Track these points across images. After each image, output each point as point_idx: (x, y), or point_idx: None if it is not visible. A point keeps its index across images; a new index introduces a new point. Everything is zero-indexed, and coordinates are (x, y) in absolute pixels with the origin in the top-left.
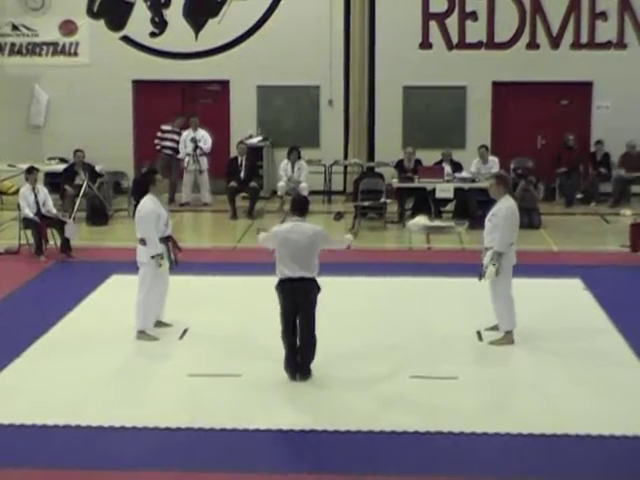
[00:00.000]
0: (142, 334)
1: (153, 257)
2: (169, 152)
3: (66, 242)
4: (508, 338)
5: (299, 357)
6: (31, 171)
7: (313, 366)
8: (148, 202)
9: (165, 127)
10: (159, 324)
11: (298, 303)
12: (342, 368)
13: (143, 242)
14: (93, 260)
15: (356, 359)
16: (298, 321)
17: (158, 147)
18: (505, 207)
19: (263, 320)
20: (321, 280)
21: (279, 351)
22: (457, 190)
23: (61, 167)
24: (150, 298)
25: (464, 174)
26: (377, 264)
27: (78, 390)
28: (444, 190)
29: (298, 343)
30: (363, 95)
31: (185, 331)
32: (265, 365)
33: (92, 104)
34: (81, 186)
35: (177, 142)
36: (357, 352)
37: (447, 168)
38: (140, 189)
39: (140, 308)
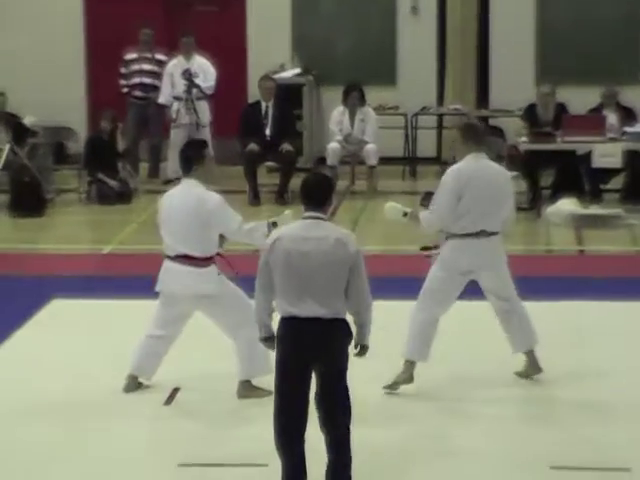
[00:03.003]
0: (250, 388)
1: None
2: (140, 94)
3: None
4: (403, 373)
5: (330, 460)
6: None
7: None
8: (202, 190)
9: (130, 55)
10: (135, 384)
11: (313, 363)
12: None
13: (202, 262)
14: (21, 274)
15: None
16: (316, 398)
17: (125, 90)
18: None
19: None
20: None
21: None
22: (629, 155)
23: None
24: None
25: None
26: None
27: None
28: (606, 155)
29: (325, 440)
30: None
31: (175, 392)
32: None
33: (17, 16)
34: (0, 151)
35: (154, 75)
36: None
37: (611, 118)
38: (184, 162)
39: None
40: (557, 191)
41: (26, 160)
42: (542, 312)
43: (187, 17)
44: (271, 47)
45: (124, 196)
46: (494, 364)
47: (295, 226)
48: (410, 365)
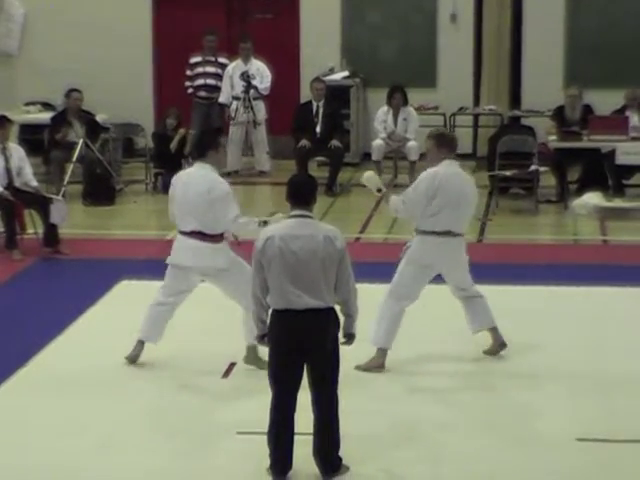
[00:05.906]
0: (255, 358)
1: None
2: (205, 95)
3: (52, 230)
4: (377, 359)
5: (317, 444)
6: (0, 123)
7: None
8: (215, 176)
9: (195, 59)
10: (142, 349)
11: (306, 351)
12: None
13: (214, 238)
14: (93, 258)
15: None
16: (311, 387)
17: (190, 91)
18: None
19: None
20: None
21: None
22: None
23: (46, 116)
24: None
25: None
26: (525, 265)
27: (71, 453)
28: (629, 153)
29: (313, 423)
30: (504, 7)
31: (232, 366)
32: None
33: (91, 22)
34: (75, 145)
35: (217, 77)
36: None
37: (634, 119)
38: (200, 147)
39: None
40: (583, 185)
41: (98, 154)
42: (568, 296)
43: (246, 24)
44: (322, 52)
45: None
46: (460, 343)
47: (285, 225)
48: (383, 353)
